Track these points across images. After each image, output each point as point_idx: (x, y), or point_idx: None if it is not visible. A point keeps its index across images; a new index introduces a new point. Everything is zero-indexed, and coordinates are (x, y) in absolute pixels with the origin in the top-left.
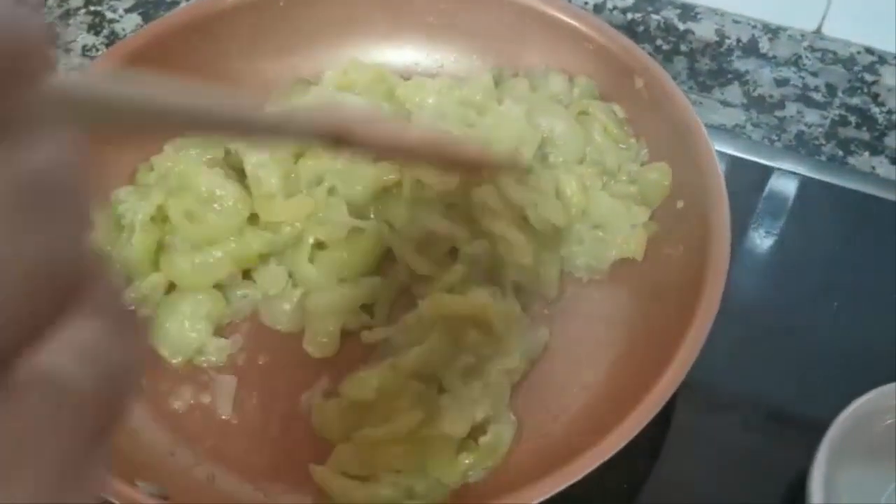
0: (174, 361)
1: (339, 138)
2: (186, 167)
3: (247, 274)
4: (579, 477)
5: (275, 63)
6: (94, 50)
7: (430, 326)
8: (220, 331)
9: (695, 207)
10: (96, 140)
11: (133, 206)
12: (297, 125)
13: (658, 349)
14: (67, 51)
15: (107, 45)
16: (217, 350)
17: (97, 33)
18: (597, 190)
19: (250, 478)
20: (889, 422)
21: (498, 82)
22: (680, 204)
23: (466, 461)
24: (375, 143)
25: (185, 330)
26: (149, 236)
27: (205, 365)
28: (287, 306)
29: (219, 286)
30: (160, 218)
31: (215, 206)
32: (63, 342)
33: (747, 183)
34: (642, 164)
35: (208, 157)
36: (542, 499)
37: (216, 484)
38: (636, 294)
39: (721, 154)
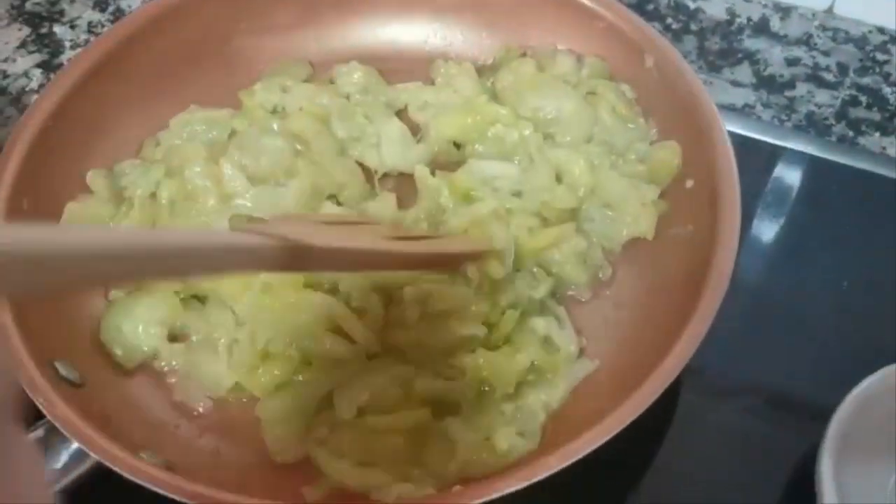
0: (128, 364)
1: (295, 259)
2: (190, 150)
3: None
4: (580, 456)
5: (282, 41)
6: (99, 26)
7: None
8: (174, 337)
9: (705, 186)
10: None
11: (135, 180)
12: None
13: (665, 329)
14: (73, 27)
15: (112, 22)
16: (170, 355)
17: (103, 10)
18: (605, 169)
19: (254, 451)
20: None
21: (504, 62)
22: (690, 183)
23: (467, 460)
24: (338, 259)
25: (139, 334)
26: (146, 214)
27: (165, 368)
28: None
29: (178, 292)
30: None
31: (199, 201)
32: None
33: (756, 164)
34: (652, 143)
35: (212, 134)
36: (538, 478)
37: (221, 457)
38: (645, 274)
39: (730, 134)
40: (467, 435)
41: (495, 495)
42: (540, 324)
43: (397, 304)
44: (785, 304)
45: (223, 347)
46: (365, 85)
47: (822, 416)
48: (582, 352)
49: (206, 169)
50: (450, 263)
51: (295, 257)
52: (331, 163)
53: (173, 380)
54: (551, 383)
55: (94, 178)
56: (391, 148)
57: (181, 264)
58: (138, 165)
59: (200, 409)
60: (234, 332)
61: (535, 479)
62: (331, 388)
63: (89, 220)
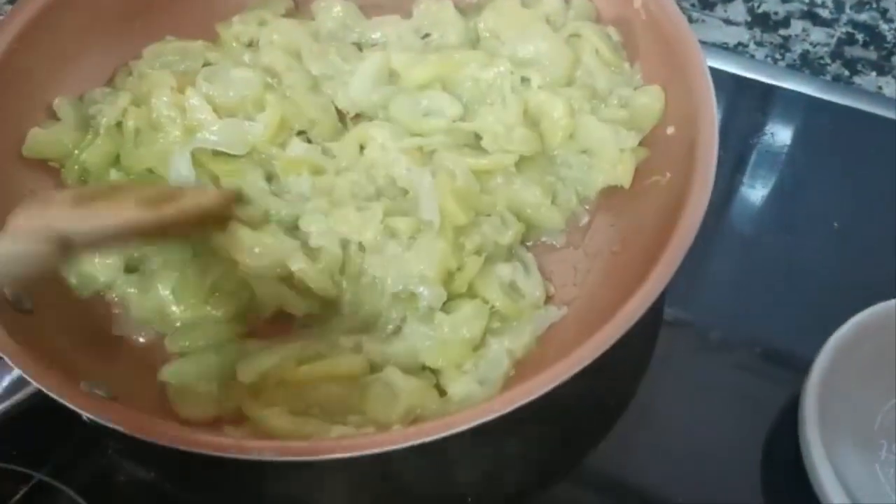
0: (83, 294)
1: (61, 244)
2: (157, 78)
3: None
4: (526, 401)
5: None
6: None
7: None
8: (131, 268)
9: (685, 134)
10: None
11: (103, 109)
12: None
13: (633, 276)
14: None
15: None
16: (124, 285)
17: None
18: (585, 114)
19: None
20: (885, 339)
21: (488, 0)
22: (671, 130)
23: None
24: (99, 233)
25: (96, 263)
26: (111, 142)
27: (115, 299)
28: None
29: None
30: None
31: (164, 131)
32: None
33: (750, 104)
34: (635, 89)
35: (185, 65)
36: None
37: (164, 390)
38: (619, 221)
39: (723, 73)
40: (410, 382)
41: (436, 437)
42: (505, 270)
43: (355, 250)
44: (776, 247)
45: (173, 278)
46: (344, 20)
47: (808, 364)
48: (550, 299)
49: (173, 98)
50: (202, 220)
51: (63, 249)
52: (302, 98)
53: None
54: (516, 330)
55: (62, 105)
56: (358, 86)
57: None
58: (108, 94)
59: (142, 341)
60: (191, 262)
61: (475, 423)
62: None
63: (52, 146)
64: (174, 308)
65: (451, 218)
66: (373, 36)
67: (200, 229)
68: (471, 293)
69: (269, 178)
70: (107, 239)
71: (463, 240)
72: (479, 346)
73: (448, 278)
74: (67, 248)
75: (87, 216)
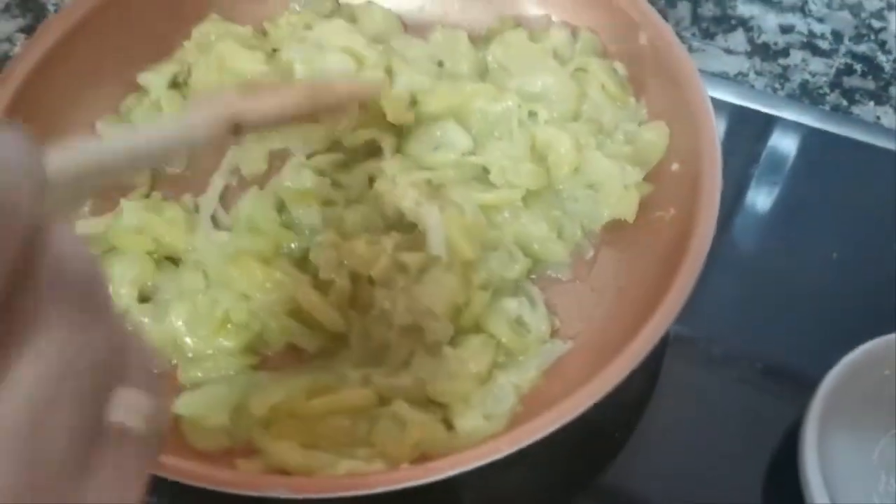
0: None
1: (234, 127)
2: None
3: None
4: (534, 439)
5: (274, 5)
6: None
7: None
8: (145, 298)
9: (689, 171)
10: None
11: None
12: (194, 134)
13: (638, 311)
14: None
15: None
16: (139, 315)
17: None
18: (591, 149)
19: None
20: (885, 373)
21: (497, 32)
22: (675, 166)
23: (419, 440)
24: (265, 118)
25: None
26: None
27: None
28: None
29: (151, 253)
30: None
31: None
32: (128, 405)
33: (749, 133)
34: (640, 124)
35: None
36: (509, 451)
37: (177, 422)
38: (623, 256)
39: (723, 103)
40: (417, 415)
41: (445, 475)
42: (512, 304)
43: (364, 284)
44: (775, 274)
45: (185, 309)
46: (384, 28)
47: (809, 387)
48: (555, 333)
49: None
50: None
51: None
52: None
53: None
54: (522, 365)
55: (105, 126)
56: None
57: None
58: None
59: (154, 371)
60: (202, 294)
61: (486, 461)
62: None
63: None
64: (186, 339)
65: (459, 253)
66: (401, 51)
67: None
68: (477, 328)
69: (280, 208)
70: (269, 124)
71: (471, 275)
72: (485, 380)
73: (455, 313)
74: (237, 131)
75: (258, 104)
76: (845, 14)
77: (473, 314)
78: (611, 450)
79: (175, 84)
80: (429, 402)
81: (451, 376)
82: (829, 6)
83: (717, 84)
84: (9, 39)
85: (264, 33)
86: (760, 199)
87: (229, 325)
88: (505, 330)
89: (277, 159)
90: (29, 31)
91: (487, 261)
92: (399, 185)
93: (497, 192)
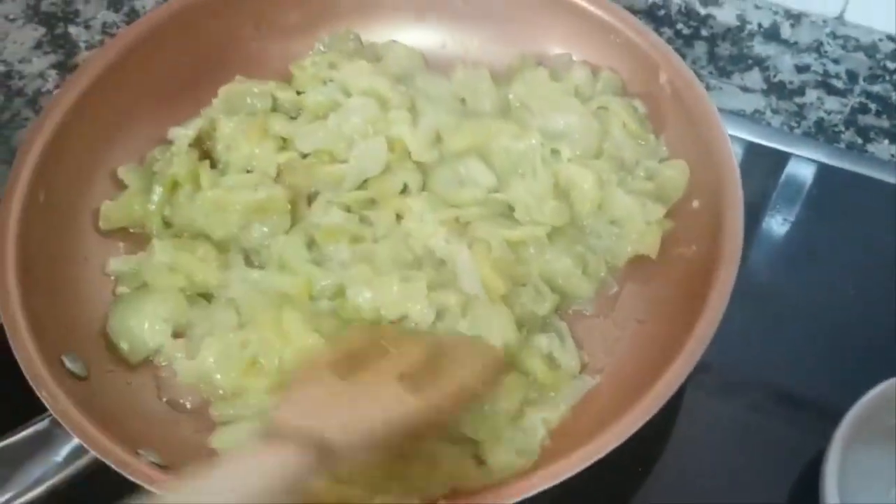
0: (133, 359)
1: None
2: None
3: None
4: (567, 476)
5: (299, 42)
6: (114, 27)
7: None
8: (178, 333)
9: (710, 208)
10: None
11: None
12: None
13: (664, 347)
14: (88, 27)
15: (127, 23)
16: (172, 351)
17: (117, 10)
18: (613, 185)
19: None
20: None
21: (519, 70)
22: (696, 203)
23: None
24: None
25: (145, 330)
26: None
27: (163, 364)
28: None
29: (184, 290)
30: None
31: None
32: None
33: (765, 169)
34: (661, 161)
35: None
36: (544, 487)
37: (215, 456)
38: (646, 291)
39: (739, 140)
40: (450, 450)
41: None
42: (543, 341)
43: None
44: (793, 308)
45: (217, 347)
46: (408, 66)
47: (829, 419)
48: (583, 368)
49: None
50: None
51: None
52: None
53: (164, 375)
54: (553, 400)
55: (126, 172)
56: (423, 139)
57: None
58: (167, 148)
59: (188, 406)
60: (233, 333)
61: (522, 497)
62: None
63: (125, 215)
64: (217, 376)
65: (492, 289)
66: (424, 89)
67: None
68: (510, 364)
69: (310, 245)
70: (374, 443)
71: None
72: (517, 417)
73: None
74: (326, 458)
75: (353, 411)
76: (860, 55)
77: (511, 354)
78: (633, 481)
79: (198, 139)
80: (459, 437)
81: (484, 415)
82: (844, 47)
83: (733, 121)
84: (41, 75)
85: (289, 80)
86: (777, 234)
87: (258, 366)
88: (540, 366)
89: (306, 198)
90: (60, 67)
91: (519, 296)
92: (427, 222)
93: (523, 229)
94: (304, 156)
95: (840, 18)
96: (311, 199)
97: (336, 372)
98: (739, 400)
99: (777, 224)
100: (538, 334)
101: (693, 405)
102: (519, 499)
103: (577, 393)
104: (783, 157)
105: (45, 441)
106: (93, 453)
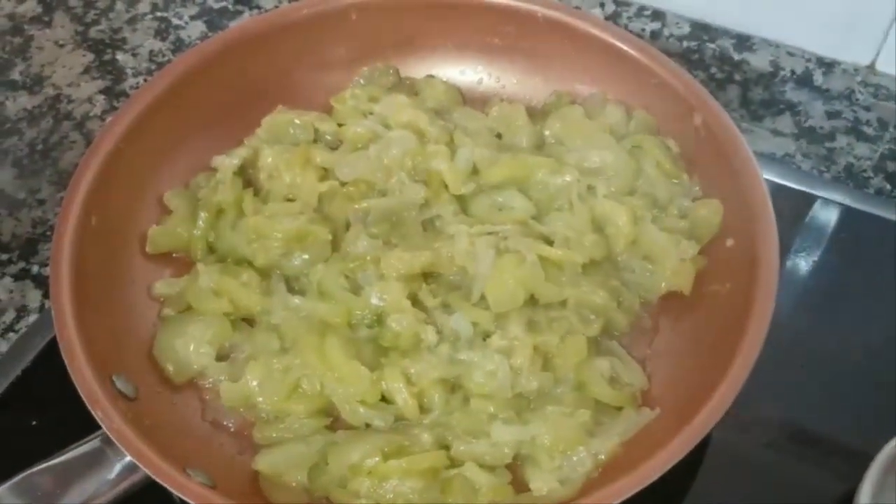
0: (178, 380)
1: None
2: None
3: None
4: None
5: (340, 77)
6: (160, 55)
7: None
8: (222, 356)
9: (745, 248)
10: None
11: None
12: None
13: (698, 385)
14: (135, 55)
15: (173, 52)
16: (216, 373)
17: (163, 39)
18: (647, 222)
19: None
20: None
21: (554, 108)
22: (730, 242)
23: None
24: None
25: (190, 352)
26: (231, 192)
27: (207, 385)
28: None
29: (228, 314)
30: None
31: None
32: None
33: (794, 212)
34: (694, 200)
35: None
36: None
37: (259, 476)
38: (680, 327)
39: (768, 182)
40: (488, 478)
41: None
42: (603, 364)
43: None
44: (821, 351)
45: (259, 371)
46: (445, 101)
47: (856, 462)
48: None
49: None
50: None
51: None
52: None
53: (209, 397)
54: (605, 432)
55: (171, 198)
56: (460, 171)
57: None
58: (211, 175)
59: (231, 427)
60: (276, 358)
61: None
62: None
63: (171, 240)
64: (259, 399)
65: (504, 302)
66: (462, 124)
67: None
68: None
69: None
70: None
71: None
72: (569, 448)
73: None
74: None
75: None
76: (891, 104)
77: (569, 366)
78: None
79: (241, 167)
80: (495, 464)
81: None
82: (875, 95)
83: (763, 164)
84: (89, 100)
85: (328, 112)
86: (805, 277)
87: (299, 391)
88: (604, 387)
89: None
90: (108, 92)
91: (567, 319)
92: (461, 234)
93: (561, 250)
94: (343, 184)
95: (871, 67)
96: (348, 226)
97: None
98: (767, 440)
99: (806, 266)
100: (595, 358)
101: (720, 444)
102: None
103: (633, 427)
104: (812, 200)
105: (96, 459)
106: (144, 471)
